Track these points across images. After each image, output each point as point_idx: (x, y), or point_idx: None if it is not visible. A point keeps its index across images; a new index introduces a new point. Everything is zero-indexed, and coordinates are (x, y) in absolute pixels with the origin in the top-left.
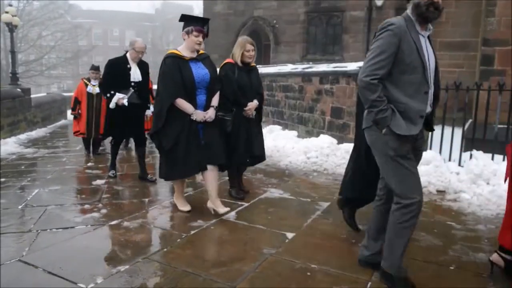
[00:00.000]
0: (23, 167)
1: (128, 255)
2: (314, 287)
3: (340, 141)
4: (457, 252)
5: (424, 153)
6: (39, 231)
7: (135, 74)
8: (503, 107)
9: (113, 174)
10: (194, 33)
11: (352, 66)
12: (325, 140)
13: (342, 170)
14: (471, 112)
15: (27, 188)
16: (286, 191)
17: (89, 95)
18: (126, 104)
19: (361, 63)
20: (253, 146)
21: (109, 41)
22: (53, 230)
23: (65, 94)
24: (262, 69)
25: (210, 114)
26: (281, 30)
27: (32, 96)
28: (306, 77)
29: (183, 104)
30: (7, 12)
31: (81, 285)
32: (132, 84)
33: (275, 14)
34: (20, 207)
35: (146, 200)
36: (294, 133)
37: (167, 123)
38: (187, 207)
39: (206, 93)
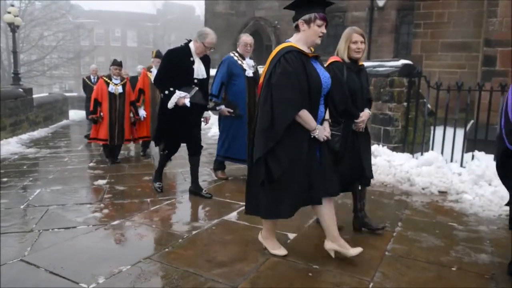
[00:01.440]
0: (25, 167)
1: (129, 255)
2: None
3: None
4: (459, 253)
5: (426, 154)
6: (41, 231)
7: (199, 70)
8: None
9: (159, 187)
10: (318, 21)
11: None
12: None
13: None
14: (473, 113)
15: (29, 188)
16: None
17: (111, 95)
18: (188, 104)
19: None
20: (363, 167)
21: (111, 42)
22: (55, 230)
23: (67, 94)
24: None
25: (328, 130)
26: (282, 31)
27: (34, 96)
28: None
29: (307, 117)
30: (9, 13)
31: (83, 285)
32: (195, 81)
33: (276, 15)
34: (22, 207)
35: (148, 200)
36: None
37: (279, 143)
38: (283, 251)
39: (324, 103)
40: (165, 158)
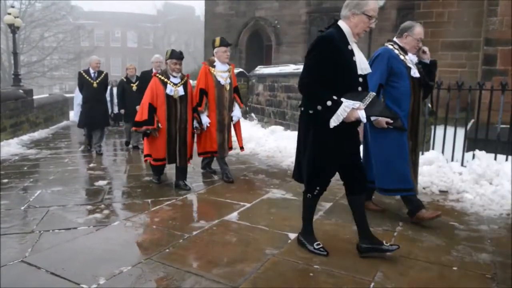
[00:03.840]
0: (25, 168)
1: (130, 256)
2: None
3: None
4: (460, 253)
5: (426, 153)
6: (42, 232)
7: (361, 62)
8: (506, 107)
9: (319, 248)
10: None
11: None
12: None
13: None
14: (473, 112)
15: (29, 189)
16: (288, 191)
17: (170, 99)
18: (364, 119)
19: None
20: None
21: (111, 42)
22: (56, 231)
23: (67, 95)
24: (264, 70)
25: None
26: (282, 31)
27: (34, 97)
28: None
29: None
30: (9, 14)
31: (84, 285)
32: (360, 80)
33: (276, 15)
34: (22, 208)
35: (149, 200)
36: (296, 133)
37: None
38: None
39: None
40: (315, 200)
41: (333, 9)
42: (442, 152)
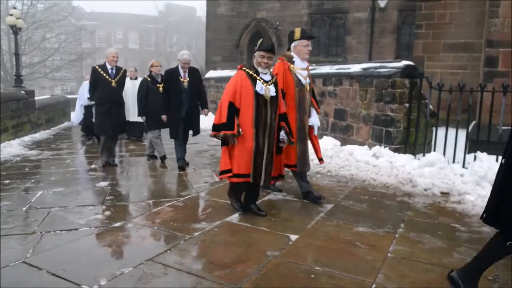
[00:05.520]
0: (27, 169)
1: (131, 257)
2: None
3: (343, 142)
4: (461, 254)
5: (428, 155)
6: (43, 233)
7: None
8: (507, 109)
9: None
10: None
11: (355, 68)
12: (328, 142)
13: (345, 171)
14: (475, 114)
15: (31, 190)
16: (289, 193)
17: (259, 100)
18: None
19: (364, 65)
20: None
21: (113, 43)
22: (57, 232)
23: (68, 96)
24: None
25: None
26: (284, 32)
27: (36, 98)
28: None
29: None
30: (11, 15)
31: (85, 286)
32: None
33: (278, 16)
34: (24, 209)
35: (150, 202)
36: None
37: None
38: None
39: None
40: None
41: (335, 10)
42: (444, 153)
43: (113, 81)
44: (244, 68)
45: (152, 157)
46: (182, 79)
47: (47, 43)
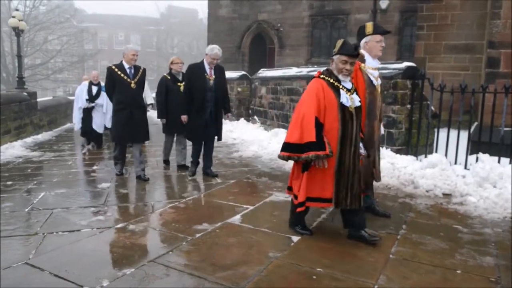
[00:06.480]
0: (29, 170)
1: (133, 258)
2: None
3: None
4: (463, 256)
5: (430, 156)
6: (45, 234)
7: None
8: (509, 110)
9: None
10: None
11: None
12: None
13: None
14: (476, 115)
15: (33, 191)
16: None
17: (345, 113)
18: None
19: None
20: None
21: (115, 45)
22: (59, 233)
23: (70, 97)
24: (267, 73)
25: None
26: (285, 34)
27: (38, 100)
28: (311, 80)
29: None
30: (13, 17)
31: None
32: None
33: (279, 18)
34: (26, 210)
35: (152, 203)
36: None
37: None
38: None
39: None
40: None
41: (336, 11)
42: (446, 155)
43: (133, 81)
44: (322, 76)
45: (182, 166)
46: (208, 76)
47: (49, 45)
